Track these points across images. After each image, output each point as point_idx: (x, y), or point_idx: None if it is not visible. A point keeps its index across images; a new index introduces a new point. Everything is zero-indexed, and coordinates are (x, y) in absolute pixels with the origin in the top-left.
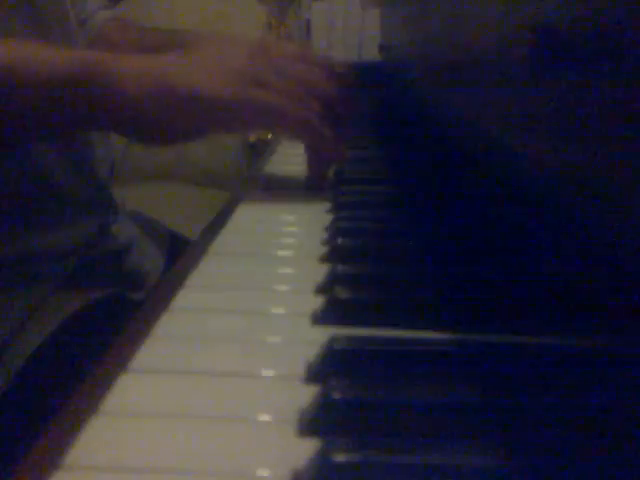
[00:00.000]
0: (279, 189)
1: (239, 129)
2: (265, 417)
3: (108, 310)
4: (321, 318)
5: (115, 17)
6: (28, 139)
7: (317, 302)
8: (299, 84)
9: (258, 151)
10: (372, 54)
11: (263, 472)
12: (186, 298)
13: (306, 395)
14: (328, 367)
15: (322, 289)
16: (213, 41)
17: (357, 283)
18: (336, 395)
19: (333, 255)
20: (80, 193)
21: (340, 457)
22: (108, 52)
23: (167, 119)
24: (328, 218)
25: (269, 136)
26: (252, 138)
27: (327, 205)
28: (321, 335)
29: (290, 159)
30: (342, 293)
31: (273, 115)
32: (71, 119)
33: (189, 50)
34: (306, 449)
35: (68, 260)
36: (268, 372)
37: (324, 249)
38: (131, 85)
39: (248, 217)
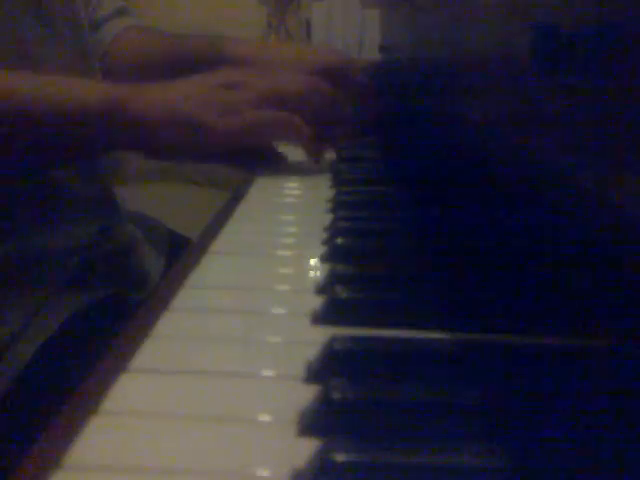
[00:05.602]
0: (281, 180)
1: (243, 149)
2: (265, 417)
3: (108, 310)
4: (321, 318)
5: (134, 25)
6: (53, 165)
7: (317, 302)
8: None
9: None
10: (372, 54)
11: (263, 472)
12: (186, 298)
13: (306, 395)
14: (328, 367)
15: (322, 289)
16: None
17: (357, 283)
18: (336, 395)
19: (333, 255)
20: (82, 193)
21: (340, 457)
22: (127, 84)
23: (177, 142)
24: (328, 218)
25: None
26: None
27: (327, 205)
28: (321, 335)
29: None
30: (342, 293)
31: (267, 132)
32: (96, 145)
33: (198, 78)
34: (306, 449)
35: (69, 260)
36: (268, 372)
37: (324, 249)
38: (148, 117)
39: (248, 217)
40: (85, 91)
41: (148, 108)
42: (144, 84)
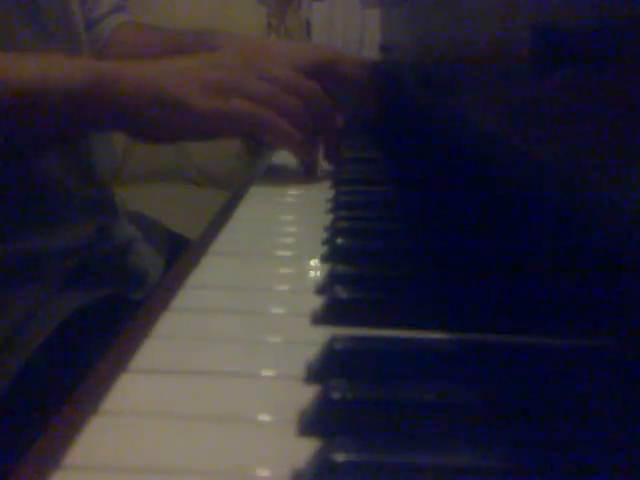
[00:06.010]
0: (281, 180)
1: (224, 135)
2: (265, 417)
3: (108, 310)
4: (321, 318)
5: (129, 21)
6: (41, 145)
7: (317, 302)
8: (285, 93)
9: (258, 151)
10: (372, 54)
11: (263, 472)
12: (186, 298)
13: (306, 395)
14: (328, 367)
15: (322, 289)
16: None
17: (357, 283)
18: (336, 395)
19: (333, 255)
20: (80, 193)
21: (340, 457)
22: (116, 60)
23: (161, 121)
24: (328, 218)
25: None
26: None
27: (327, 205)
28: (321, 335)
29: (291, 158)
30: (342, 293)
31: (250, 125)
32: (82, 123)
33: (189, 57)
34: (306, 449)
35: (68, 260)
36: (268, 372)
37: (324, 249)
38: (133, 93)
39: (248, 217)
40: (69, 67)
41: (130, 83)
42: (129, 61)
